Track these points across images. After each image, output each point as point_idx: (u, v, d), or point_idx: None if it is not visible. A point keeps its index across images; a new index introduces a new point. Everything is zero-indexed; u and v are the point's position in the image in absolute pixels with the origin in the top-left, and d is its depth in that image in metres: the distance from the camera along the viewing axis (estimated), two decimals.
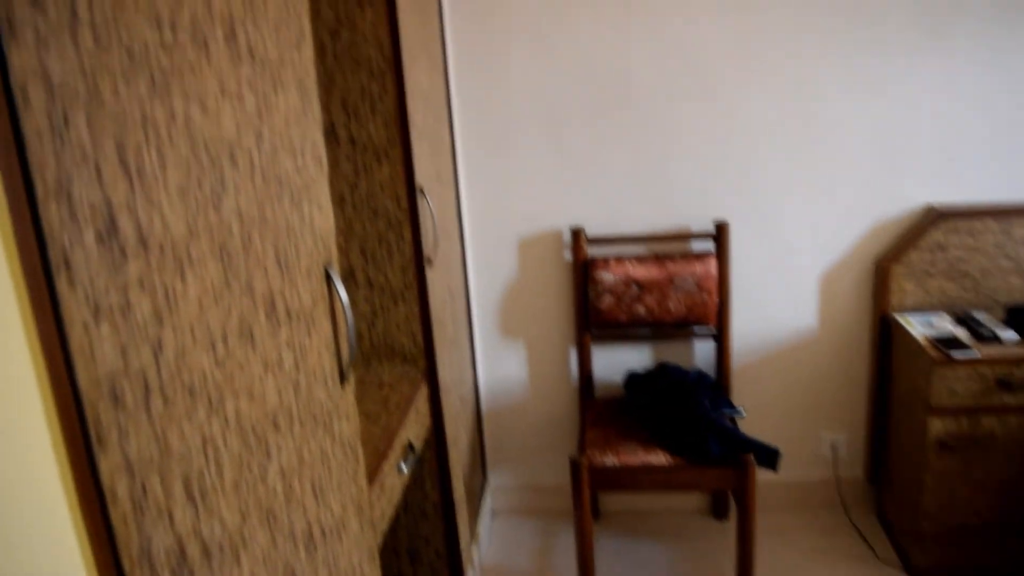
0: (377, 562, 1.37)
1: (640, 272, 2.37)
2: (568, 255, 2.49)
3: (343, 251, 1.87)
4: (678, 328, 2.46)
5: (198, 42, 0.84)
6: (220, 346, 0.87)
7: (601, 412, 2.38)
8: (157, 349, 0.75)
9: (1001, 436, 2.13)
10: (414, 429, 1.76)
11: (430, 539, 2.06)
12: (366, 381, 1.87)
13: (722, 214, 2.40)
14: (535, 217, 2.49)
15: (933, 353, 2.11)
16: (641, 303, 2.38)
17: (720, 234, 2.36)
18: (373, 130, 1.78)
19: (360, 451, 1.31)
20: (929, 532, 2.24)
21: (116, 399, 0.68)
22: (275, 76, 1.02)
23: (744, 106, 2.31)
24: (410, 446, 1.70)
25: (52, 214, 0.61)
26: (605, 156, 2.40)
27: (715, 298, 2.36)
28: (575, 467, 2.09)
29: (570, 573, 2.43)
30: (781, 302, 2.48)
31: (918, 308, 2.39)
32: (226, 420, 0.88)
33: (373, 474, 1.47)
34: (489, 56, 2.38)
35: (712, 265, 2.35)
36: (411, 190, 1.81)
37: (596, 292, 2.40)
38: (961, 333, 2.22)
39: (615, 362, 2.57)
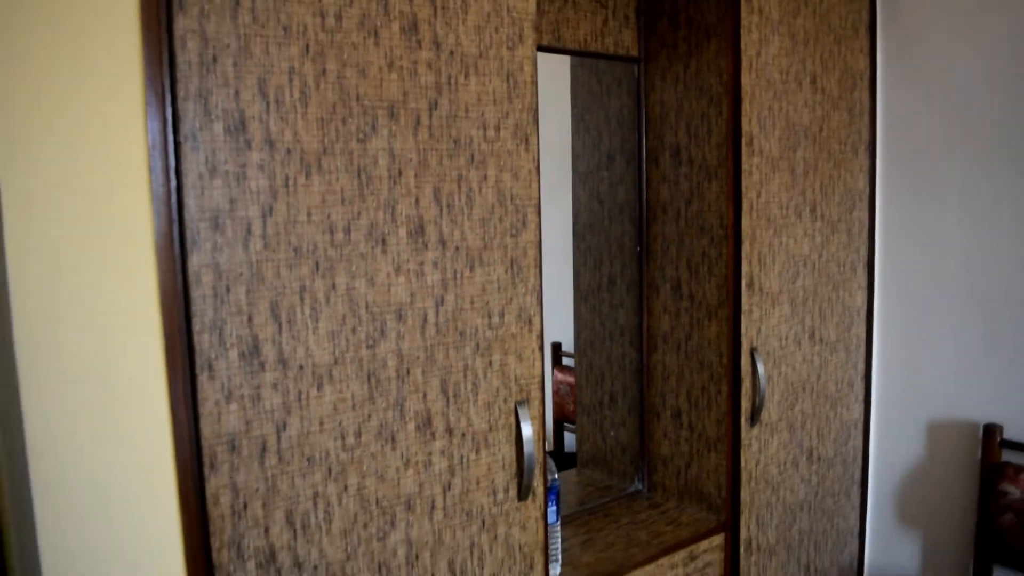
0: None
1: None
2: (979, 453, 2.27)
3: (673, 392, 2.17)
4: None
5: (374, 238, 1.37)
6: (351, 438, 1.38)
7: None
8: (281, 427, 1.31)
9: None
10: (678, 570, 1.97)
11: None
12: (660, 514, 2.13)
13: None
14: (950, 402, 2.33)
15: None
16: None
17: None
18: (709, 290, 2.05)
19: (539, 559, 1.65)
20: None
21: (233, 448, 1.26)
22: (474, 258, 1.49)
23: None
24: None
25: (204, 340, 1.22)
26: None
27: None
28: None
29: None
30: None
31: None
32: (345, 487, 1.39)
33: None
34: (919, 224, 2.34)
35: None
36: (735, 349, 2.02)
37: (996, 506, 2.15)
38: None
39: None
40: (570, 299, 2.37)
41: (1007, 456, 2.22)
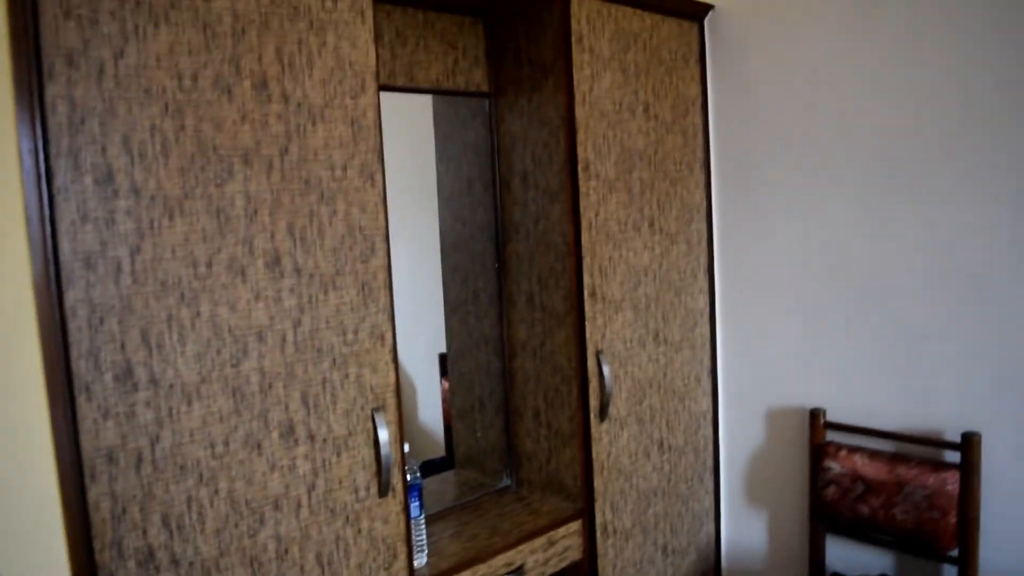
0: None
1: (868, 469, 2.39)
2: (807, 435, 2.61)
3: (532, 394, 2.44)
4: (906, 542, 2.38)
5: (234, 270, 1.59)
6: (220, 447, 1.60)
7: None
8: (154, 440, 1.52)
9: None
10: (538, 555, 2.23)
11: None
12: (524, 505, 2.40)
13: (980, 425, 2.27)
14: (784, 390, 2.67)
15: None
16: (865, 503, 2.39)
17: (968, 448, 2.25)
18: (557, 300, 2.33)
19: (401, 549, 1.89)
20: None
21: (111, 460, 1.47)
22: (327, 283, 1.73)
23: (1018, 309, 2.18)
24: (519, 568, 2.19)
25: (81, 366, 1.42)
26: (858, 341, 2.48)
27: (951, 518, 2.25)
28: None
29: None
30: None
31: None
32: (216, 491, 1.60)
33: (446, 574, 2.01)
34: (751, 232, 2.68)
35: (950, 481, 2.26)
36: (581, 352, 2.30)
37: (822, 480, 2.49)
38: None
39: (854, 561, 2.56)
40: None
41: (830, 436, 2.57)
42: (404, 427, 2.64)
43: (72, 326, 1.40)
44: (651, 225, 2.50)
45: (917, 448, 2.40)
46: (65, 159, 1.39)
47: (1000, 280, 2.20)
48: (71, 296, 1.40)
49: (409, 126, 2.62)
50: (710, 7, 2.67)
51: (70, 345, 1.40)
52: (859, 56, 2.39)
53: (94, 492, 1.44)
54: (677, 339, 2.63)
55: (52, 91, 1.37)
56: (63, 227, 1.39)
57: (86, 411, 1.42)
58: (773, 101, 2.60)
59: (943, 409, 2.34)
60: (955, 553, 2.30)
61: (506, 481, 2.55)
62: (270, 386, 1.65)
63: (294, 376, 1.68)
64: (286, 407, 1.67)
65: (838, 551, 2.60)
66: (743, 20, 2.64)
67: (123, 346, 1.46)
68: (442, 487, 2.57)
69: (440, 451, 2.72)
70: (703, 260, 2.73)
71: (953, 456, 2.31)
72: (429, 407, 2.74)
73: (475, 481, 2.59)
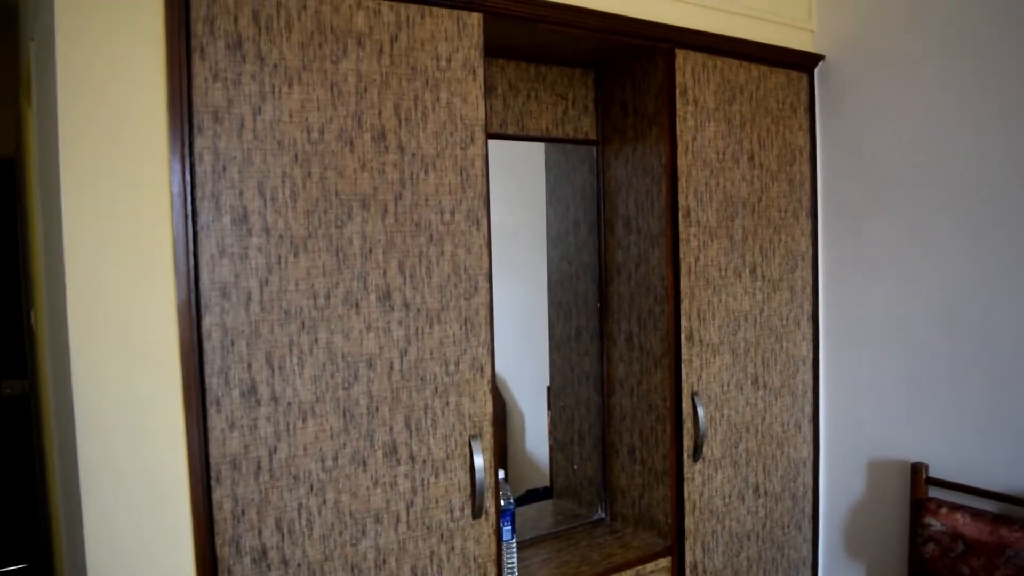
0: None
1: (970, 529, 2.37)
2: (908, 490, 2.60)
3: (628, 431, 2.54)
4: None
5: (349, 302, 1.79)
6: (329, 461, 1.79)
7: None
8: (272, 451, 1.72)
9: None
10: None
11: None
12: (615, 538, 2.49)
13: None
14: (887, 442, 2.66)
15: None
16: (965, 563, 2.37)
17: None
18: (654, 341, 2.44)
19: (491, 570, 2.03)
20: None
21: (234, 466, 1.68)
22: (432, 317, 1.90)
23: None
24: None
25: (213, 382, 1.64)
26: (965, 395, 2.46)
27: None
28: None
29: None
30: None
31: None
32: (324, 501, 1.79)
33: None
34: (857, 282, 2.71)
35: None
36: (677, 394, 2.40)
37: (922, 537, 2.48)
38: None
39: None
40: None
41: (932, 492, 2.55)
42: (509, 456, 2.80)
43: (207, 347, 1.62)
44: (752, 271, 2.56)
45: (1023, 510, 2.36)
46: (208, 201, 1.62)
47: None
48: (208, 320, 1.62)
49: (523, 171, 2.80)
50: (820, 57, 2.73)
51: (205, 363, 1.62)
52: (968, 104, 2.40)
53: (218, 493, 1.65)
54: (777, 385, 2.67)
55: (200, 143, 1.60)
56: (204, 260, 1.61)
57: (215, 422, 1.63)
58: (882, 150, 2.63)
59: None
60: None
61: (600, 514, 2.65)
62: (376, 409, 1.82)
63: (399, 401, 1.85)
64: (390, 429, 1.84)
65: None
66: (854, 69, 2.69)
67: (249, 366, 1.66)
68: (539, 515, 2.70)
69: (544, 480, 2.85)
70: (807, 307, 2.77)
71: None
72: (536, 437, 2.88)
73: (571, 512, 2.70)
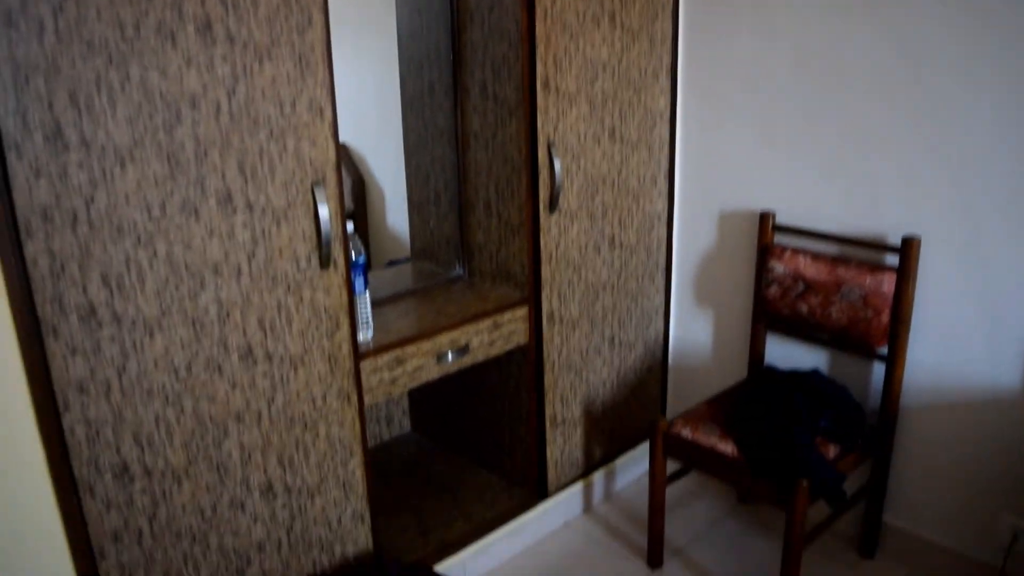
0: (354, 404, 2.07)
1: (810, 270, 2.48)
2: (756, 237, 2.68)
3: (484, 186, 2.49)
4: (840, 339, 2.50)
5: (162, 33, 1.59)
6: (156, 210, 1.66)
7: (731, 394, 2.60)
8: (89, 201, 1.57)
9: None
10: (483, 336, 2.35)
11: (519, 442, 2.64)
12: (473, 292, 2.50)
13: (923, 227, 2.33)
14: (737, 194, 2.72)
15: None
16: (804, 302, 2.50)
17: (907, 251, 2.32)
18: (509, 90, 2.34)
19: (343, 320, 1.99)
20: None
21: (46, 217, 1.53)
22: (262, 53, 1.73)
23: (969, 112, 2.19)
24: (464, 347, 2.31)
25: (9, 123, 1.46)
26: (812, 147, 2.51)
27: (883, 318, 2.36)
28: (652, 428, 2.44)
29: (683, 530, 2.74)
30: (979, 347, 2.32)
31: None
32: (154, 254, 1.67)
33: (388, 347, 2.13)
34: (715, 34, 2.65)
35: (886, 282, 2.34)
36: (532, 144, 2.33)
37: (766, 280, 2.58)
38: None
39: (790, 357, 2.70)
40: None
41: (779, 239, 2.64)
42: (371, 231, 2.71)
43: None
44: (612, 19, 2.46)
45: (859, 251, 2.48)
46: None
47: (953, 92, 2.21)
48: None
49: None
50: None
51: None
52: None
53: (31, 248, 1.51)
54: (634, 138, 2.65)
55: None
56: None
57: (16, 169, 1.46)
58: None
59: (887, 214, 2.40)
60: (884, 351, 2.42)
61: (458, 271, 2.64)
62: (205, 153, 1.68)
63: (230, 145, 1.72)
64: (223, 175, 1.72)
65: (777, 348, 2.73)
66: None
67: (51, 105, 1.48)
68: (397, 276, 2.67)
69: (406, 252, 2.80)
70: (666, 60, 2.71)
71: (892, 259, 2.39)
72: (396, 214, 2.80)
73: (429, 271, 2.69)
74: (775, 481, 2.18)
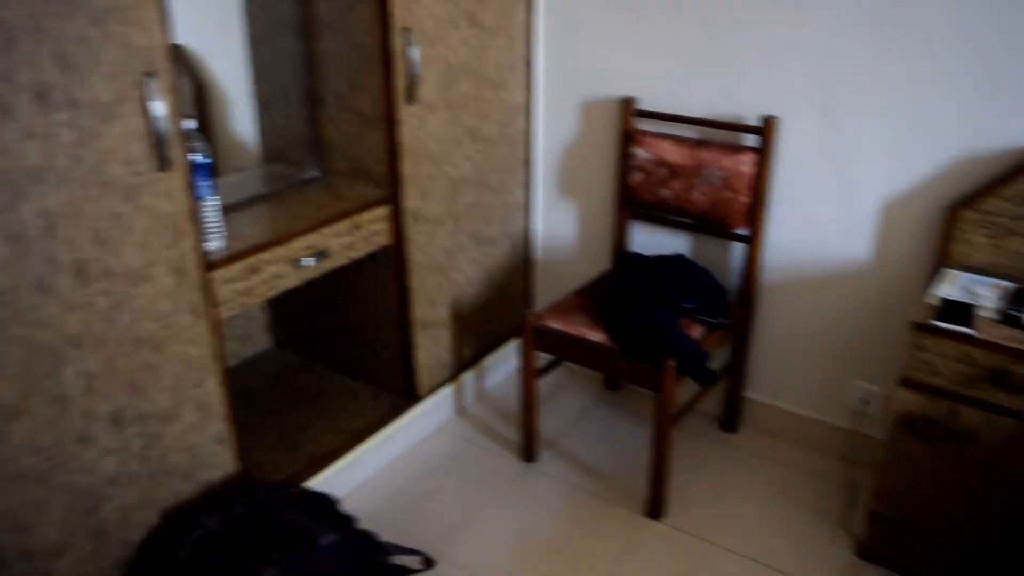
0: (206, 320, 1.90)
1: (673, 155, 2.46)
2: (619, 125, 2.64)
3: (335, 78, 2.30)
4: (705, 223, 2.51)
5: None
6: None
7: (598, 283, 2.58)
8: None
9: (985, 438, 1.95)
10: (343, 239, 2.21)
11: (386, 348, 2.55)
12: (330, 194, 2.34)
13: (781, 109, 2.34)
14: (600, 81, 2.65)
15: (920, 316, 1.97)
16: (668, 187, 2.48)
17: (765, 131, 2.33)
18: None
19: (187, 228, 1.81)
20: (886, 517, 2.17)
21: None
22: None
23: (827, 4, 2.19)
24: (322, 251, 2.16)
25: None
26: (673, 30, 2.45)
27: (743, 198, 2.37)
28: (521, 322, 2.39)
29: (555, 423, 2.75)
30: (832, 222, 2.39)
31: (986, 269, 2.17)
32: None
33: (240, 255, 1.96)
34: None
35: (745, 162, 2.35)
36: (385, 31, 2.16)
37: (629, 167, 2.55)
38: (996, 308, 1.99)
39: (655, 244, 2.70)
40: None
41: (641, 125, 2.60)
42: (213, 138, 2.46)
43: None
44: None
45: (720, 134, 2.48)
46: None
47: None
48: None
49: None
50: None
51: None
52: None
53: None
54: (492, 24, 2.52)
55: None
56: None
57: None
58: None
59: (747, 96, 2.40)
60: (745, 232, 2.45)
61: (313, 172, 2.47)
62: (10, 41, 1.44)
63: (41, 31, 1.48)
64: (36, 66, 1.48)
65: (643, 236, 2.74)
66: None
67: None
68: (246, 181, 2.47)
69: (253, 161, 2.58)
70: None
71: (752, 141, 2.40)
72: (243, 119, 2.55)
73: (281, 173, 2.50)
74: (644, 363, 2.19)
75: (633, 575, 2.19)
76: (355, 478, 2.47)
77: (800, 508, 2.42)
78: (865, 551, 2.24)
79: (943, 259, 2.20)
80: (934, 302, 2.02)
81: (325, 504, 2.03)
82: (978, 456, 1.96)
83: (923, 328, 1.94)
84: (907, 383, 2.00)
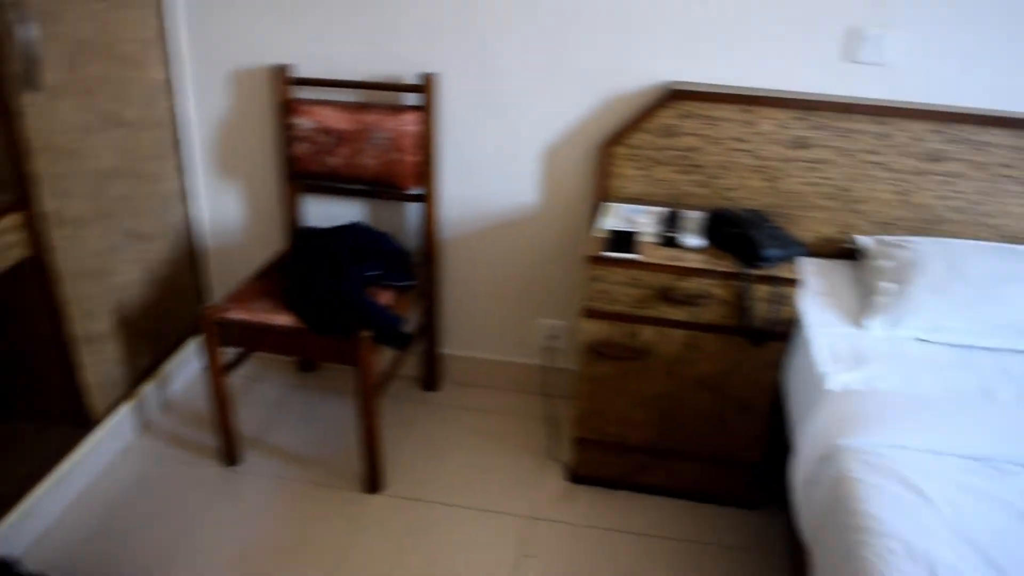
0: None
1: (337, 121, 2.37)
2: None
3: None
4: (378, 187, 2.47)
5: None
6: None
7: (275, 265, 2.45)
8: None
9: (661, 349, 2.13)
10: None
11: (44, 373, 2.23)
12: None
13: (441, 67, 2.34)
14: (251, 51, 2.48)
15: (592, 250, 2.09)
16: (335, 155, 2.40)
17: (426, 88, 2.32)
18: None
19: None
20: (588, 440, 2.31)
21: None
22: None
23: None
24: None
25: None
26: None
27: (413, 158, 2.36)
28: (200, 318, 2.20)
29: (254, 418, 2.60)
30: (500, 172, 2.47)
31: (642, 198, 2.35)
32: None
33: None
34: None
35: (409, 121, 2.34)
36: None
37: (292, 139, 2.42)
38: (655, 232, 2.17)
39: (329, 216, 2.62)
40: None
41: (300, 94, 2.48)
42: None
43: None
44: None
45: (383, 96, 2.44)
46: None
47: None
48: None
49: None
50: None
51: None
52: None
53: None
54: None
55: None
56: None
57: None
58: None
59: (407, 56, 2.40)
60: (419, 191, 2.46)
61: None
62: None
63: None
64: None
65: (317, 209, 2.64)
66: None
67: None
68: None
69: None
70: None
71: (415, 100, 2.40)
72: None
73: None
74: (338, 339, 2.13)
75: (362, 553, 2.14)
76: (34, 529, 2.15)
77: (509, 449, 2.52)
78: (575, 475, 2.39)
79: (603, 194, 2.38)
80: (602, 235, 2.16)
81: (3, 570, 1.74)
82: (659, 366, 2.16)
83: (596, 260, 2.08)
84: (590, 313, 2.14)
